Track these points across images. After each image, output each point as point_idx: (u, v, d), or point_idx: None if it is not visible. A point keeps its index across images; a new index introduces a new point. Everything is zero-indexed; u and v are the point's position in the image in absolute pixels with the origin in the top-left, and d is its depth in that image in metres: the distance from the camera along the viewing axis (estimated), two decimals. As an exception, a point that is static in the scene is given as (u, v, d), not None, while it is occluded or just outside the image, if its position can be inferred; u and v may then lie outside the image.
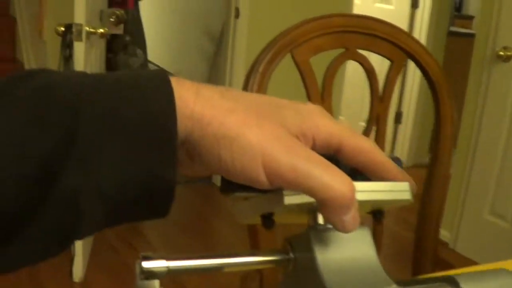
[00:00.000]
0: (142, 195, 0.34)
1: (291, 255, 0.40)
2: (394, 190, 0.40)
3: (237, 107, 0.36)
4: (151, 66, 4.28)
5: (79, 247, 2.37)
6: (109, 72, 0.36)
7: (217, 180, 3.80)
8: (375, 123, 1.23)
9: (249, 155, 0.35)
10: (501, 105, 2.62)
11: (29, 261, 0.35)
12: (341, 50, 1.21)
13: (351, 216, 0.36)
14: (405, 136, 4.54)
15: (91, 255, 2.61)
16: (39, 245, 0.33)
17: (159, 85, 0.34)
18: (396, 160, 0.42)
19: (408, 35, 1.28)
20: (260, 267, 0.43)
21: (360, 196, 0.37)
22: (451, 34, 4.68)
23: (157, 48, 4.80)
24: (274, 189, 0.37)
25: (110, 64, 2.94)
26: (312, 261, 0.38)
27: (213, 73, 4.22)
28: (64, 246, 0.35)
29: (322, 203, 0.35)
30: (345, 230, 0.36)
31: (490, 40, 2.64)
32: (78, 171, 0.32)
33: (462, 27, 5.27)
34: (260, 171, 0.35)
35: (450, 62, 4.13)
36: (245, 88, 1.12)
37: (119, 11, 2.52)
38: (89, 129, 0.32)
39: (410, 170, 4.31)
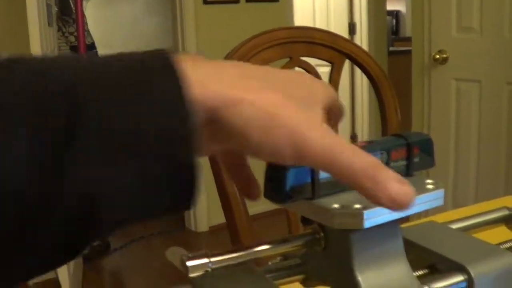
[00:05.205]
0: (165, 186, 0.32)
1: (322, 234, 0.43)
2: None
3: (263, 86, 0.36)
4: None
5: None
6: (104, 58, 0.34)
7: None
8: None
9: (280, 135, 0.34)
10: (446, 104, 2.79)
11: (33, 272, 0.32)
12: (287, 60, 1.33)
13: (397, 187, 0.33)
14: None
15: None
16: (47, 250, 0.31)
17: (170, 74, 0.32)
18: None
19: (345, 39, 1.42)
20: (294, 249, 0.45)
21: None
22: (392, 53, 4.97)
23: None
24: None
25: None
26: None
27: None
28: (73, 254, 0.32)
29: (354, 181, 0.34)
30: (395, 203, 0.33)
31: (426, 47, 2.82)
32: (92, 163, 0.30)
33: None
34: (288, 150, 0.34)
35: (394, 77, 4.35)
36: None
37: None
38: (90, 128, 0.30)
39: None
